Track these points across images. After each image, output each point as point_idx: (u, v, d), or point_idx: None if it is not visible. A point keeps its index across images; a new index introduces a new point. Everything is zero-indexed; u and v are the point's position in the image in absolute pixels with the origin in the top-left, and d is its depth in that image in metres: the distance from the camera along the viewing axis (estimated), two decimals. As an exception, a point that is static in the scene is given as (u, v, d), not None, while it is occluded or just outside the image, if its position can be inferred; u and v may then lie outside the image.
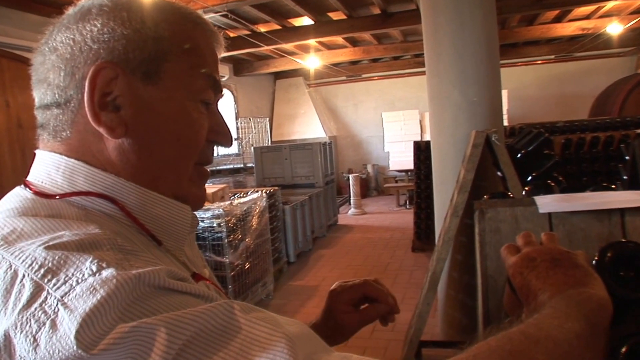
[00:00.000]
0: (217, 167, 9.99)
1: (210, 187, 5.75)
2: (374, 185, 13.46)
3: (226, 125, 0.71)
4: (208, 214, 4.73)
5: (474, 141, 2.87)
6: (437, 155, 3.69)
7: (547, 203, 1.30)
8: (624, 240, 1.24)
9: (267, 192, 6.14)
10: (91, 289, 0.44)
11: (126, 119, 0.60)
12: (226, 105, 11.47)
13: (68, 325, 0.43)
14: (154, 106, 0.61)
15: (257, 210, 5.36)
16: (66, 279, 0.46)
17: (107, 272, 0.46)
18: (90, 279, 0.45)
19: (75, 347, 0.42)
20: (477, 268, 1.45)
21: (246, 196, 5.48)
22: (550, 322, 0.58)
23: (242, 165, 10.47)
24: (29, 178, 0.63)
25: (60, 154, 0.62)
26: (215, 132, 0.69)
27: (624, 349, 0.75)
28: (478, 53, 3.41)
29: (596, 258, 0.87)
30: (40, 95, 0.63)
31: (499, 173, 2.94)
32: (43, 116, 0.63)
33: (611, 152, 4.16)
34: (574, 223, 1.32)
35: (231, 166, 10.35)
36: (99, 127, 0.59)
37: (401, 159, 12.15)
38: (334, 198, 9.55)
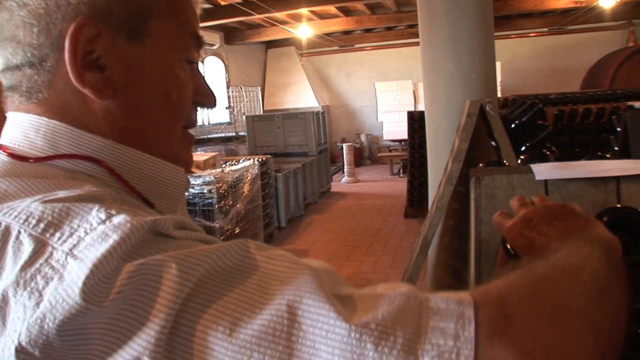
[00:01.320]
0: (209, 136, 9.94)
1: (202, 155, 5.75)
2: (368, 154, 13.50)
3: (208, 85, 0.69)
4: (199, 181, 4.75)
5: (468, 111, 2.88)
6: (431, 125, 3.70)
7: (543, 170, 1.32)
8: (619, 205, 1.26)
9: (260, 160, 6.14)
10: (103, 236, 0.41)
11: (112, 79, 0.56)
12: (217, 74, 11.37)
13: (77, 273, 0.39)
14: (141, 65, 0.58)
15: (249, 178, 5.39)
16: (72, 231, 0.42)
17: (118, 219, 0.43)
18: (101, 227, 0.42)
19: (79, 299, 0.38)
20: (470, 232, 1.49)
21: (238, 164, 5.49)
22: (569, 252, 0.55)
23: (233, 134, 10.42)
24: (1, 141, 0.57)
25: (39, 115, 0.56)
26: (198, 93, 0.66)
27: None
28: (472, 23, 3.39)
29: (592, 223, 0.89)
30: (7, 55, 0.57)
31: (492, 143, 2.96)
32: (12, 77, 0.57)
33: (602, 123, 4.20)
34: (570, 190, 1.34)
35: (223, 135, 10.30)
36: (84, 89, 0.54)
37: (395, 129, 12.13)
38: (327, 166, 9.58)
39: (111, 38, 0.56)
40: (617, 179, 1.31)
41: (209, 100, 0.68)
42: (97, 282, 0.39)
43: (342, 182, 10.58)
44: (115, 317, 0.39)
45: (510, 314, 0.41)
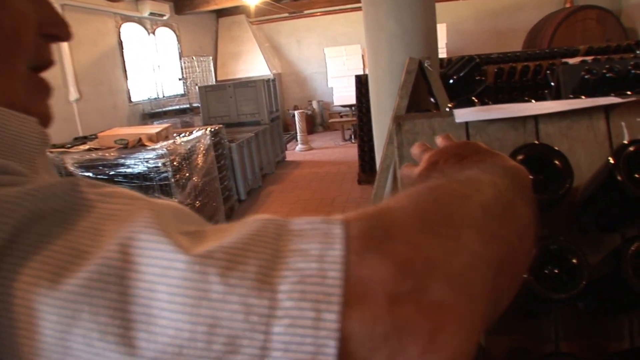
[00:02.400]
0: (163, 109, 9.83)
1: (153, 127, 5.71)
2: (320, 121, 13.54)
3: (58, 13, 0.55)
4: (152, 154, 4.73)
5: (407, 67, 2.96)
6: (375, 86, 3.74)
7: (464, 113, 1.34)
8: (535, 142, 1.29)
9: (211, 130, 6.12)
10: None
11: None
12: (169, 45, 11.16)
13: None
14: None
15: (202, 149, 5.39)
16: None
17: None
18: None
19: None
20: (398, 185, 1.54)
21: (190, 135, 5.49)
22: (469, 172, 0.50)
23: (188, 106, 10.33)
24: None
25: None
26: (48, 23, 0.52)
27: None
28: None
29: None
30: None
31: (432, 100, 3.06)
32: None
33: (539, 80, 4.35)
34: (490, 133, 1.36)
35: (177, 107, 10.20)
36: None
37: (345, 94, 12.18)
38: (280, 135, 9.61)
39: None
40: (536, 120, 1.36)
41: (61, 30, 0.54)
42: None
43: (296, 151, 10.62)
44: None
45: (387, 226, 0.37)
